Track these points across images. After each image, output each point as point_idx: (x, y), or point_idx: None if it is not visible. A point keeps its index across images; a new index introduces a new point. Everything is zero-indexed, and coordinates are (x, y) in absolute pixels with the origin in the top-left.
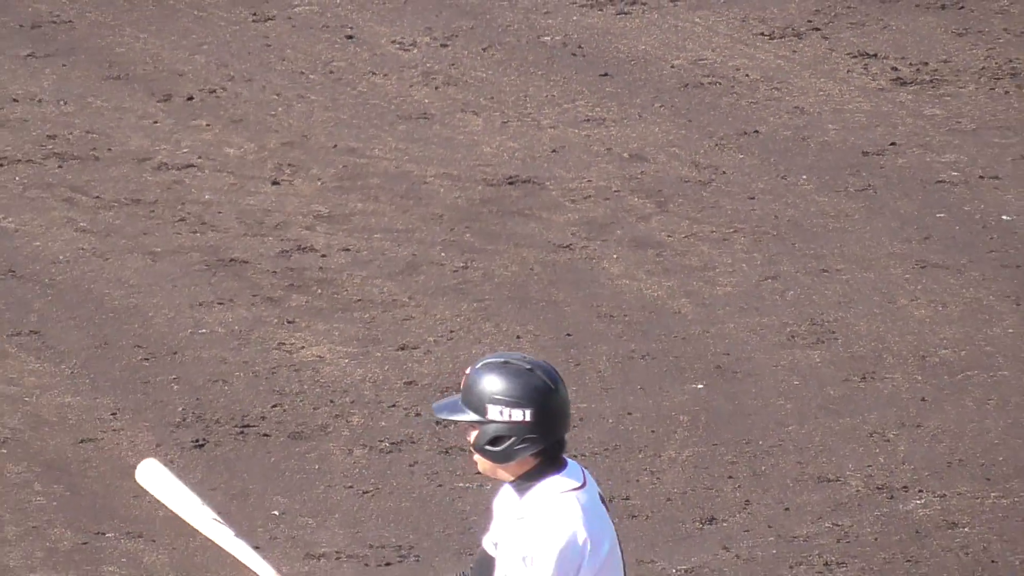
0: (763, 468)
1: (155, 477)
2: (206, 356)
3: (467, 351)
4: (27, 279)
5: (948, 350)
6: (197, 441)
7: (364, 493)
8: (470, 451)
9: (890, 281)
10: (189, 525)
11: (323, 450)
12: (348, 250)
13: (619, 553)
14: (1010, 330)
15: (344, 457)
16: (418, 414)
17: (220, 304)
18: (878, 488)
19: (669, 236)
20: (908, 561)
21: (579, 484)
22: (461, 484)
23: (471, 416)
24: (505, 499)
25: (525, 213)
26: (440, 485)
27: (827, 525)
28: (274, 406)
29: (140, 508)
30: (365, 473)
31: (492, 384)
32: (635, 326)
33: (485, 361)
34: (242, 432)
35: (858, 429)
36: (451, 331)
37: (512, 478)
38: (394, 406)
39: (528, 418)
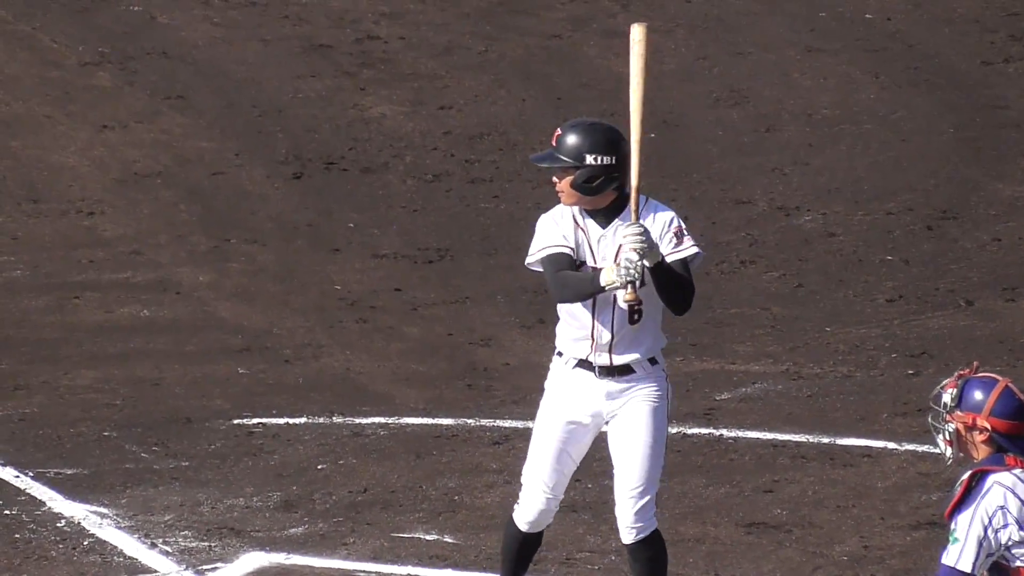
0: (696, 194)
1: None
2: (302, 113)
3: (487, 111)
4: (175, 58)
5: (828, 110)
6: (296, 174)
7: (414, 211)
8: (557, 188)
9: (786, 60)
10: (294, 230)
11: (384, 180)
12: (403, 38)
13: None
14: (872, 96)
15: (400, 185)
16: (452, 155)
17: (312, 76)
18: (778, 208)
19: (628, 28)
20: (800, 260)
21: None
22: (483, 205)
23: (571, 163)
24: (586, 220)
25: (528, 11)
26: (468, 205)
27: (742, 234)
28: (350, 148)
29: (256, 221)
30: (414, 196)
31: (585, 138)
32: (606, 93)
33: (574, 123)
34: (328, 167)
35: (763, 165)
36: (475, 96)
37: (603, 206)
38: (435, 149)
39: (613, 162)
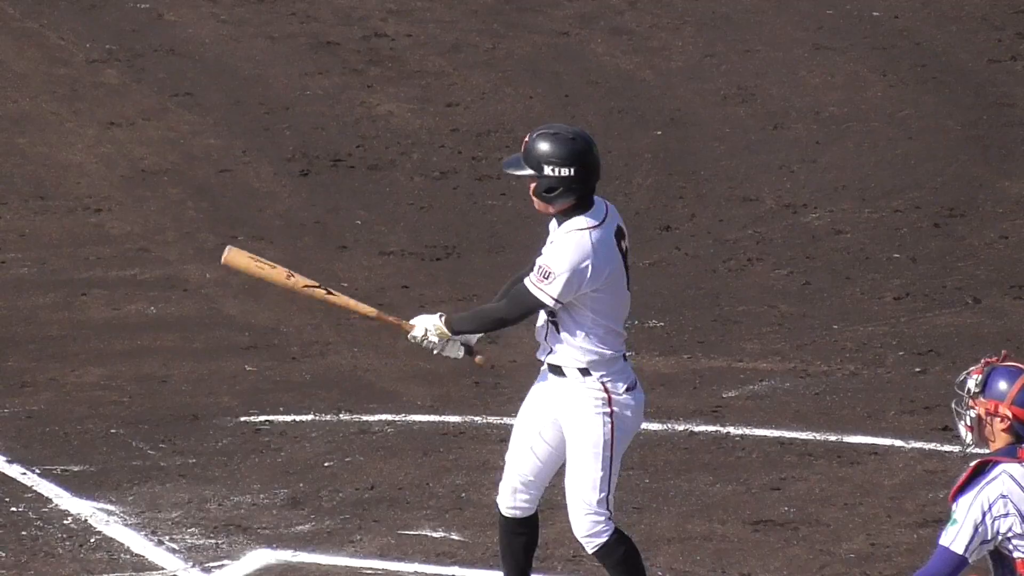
0: (704, 191)
1: (241, 259)
2: (309, 110)
3: (495, 108)
4: (183, 56)
5: (835, 107)
6: (303, 171)
7: (421, 208)
8: (531, 194)
9: (793, 58)
10: (302, 227)
11: (392, 178)
12: (410, 36)
13: (622, 278)
14: (879, 93)
15: (407, 182)
16: (459, 152)
17: (320, 74)
18: (785, 206)
19: (637, 26)
20: (807, 258)
21: (597, 223)
22: (490, 202)
23: (530, 172)
24: (551, 227)
25: (535, 9)
26: (475, 203)
27: (749, 232)
28: (358, 146)
29: (264, 218)
30: (421, 194)
31: (545, 148)
32: (613, 91)
33: (540, 131)
34: (335, 164)
35: (771, 163)
36: (483, 93)
37: (557, 212)
38: (443, 146)
39: (572, 174)
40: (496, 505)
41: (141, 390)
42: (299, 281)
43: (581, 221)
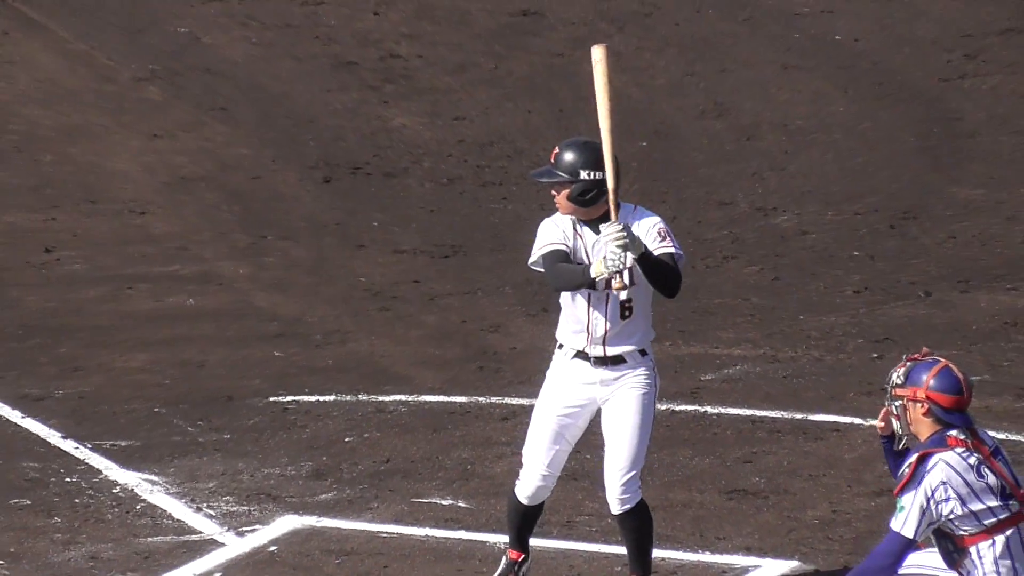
0: (684, 196)
1: (603, 68)
2: (331, 123)
3: (497, 121)
4: (217, 74)
5: (801, 121)
6: (325, 178)
7: (430, 211)
8: (556, 201)
9: (764, 77)
10: (324, 228)
11: (404, 184)
12: (421, 56)
13: None
14: (841, 109)
15: (418, 188)
16: (465, 161)
17: (340, 90)
18: (757, 209)
19: (625, 48)
20: (776, 256)
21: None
22: (492, 206)
23: (566, 178)
24: (582, 228)
25: (533, 33)
26: (479, 206)
27: (725, 232)
28: (374, 155)
29: (290, 220)
30: (431, 198)
31: (580, 156)
32: None
33: (569, 142)
34: (354, 172)
35: (744, 171)
36: (486, 108)
37: (596, 216)
38: (450, 156)
39: (604, 177)
40: (513, 491)
41: (181, 374)
42: (607, 113)
43: (616, 216)
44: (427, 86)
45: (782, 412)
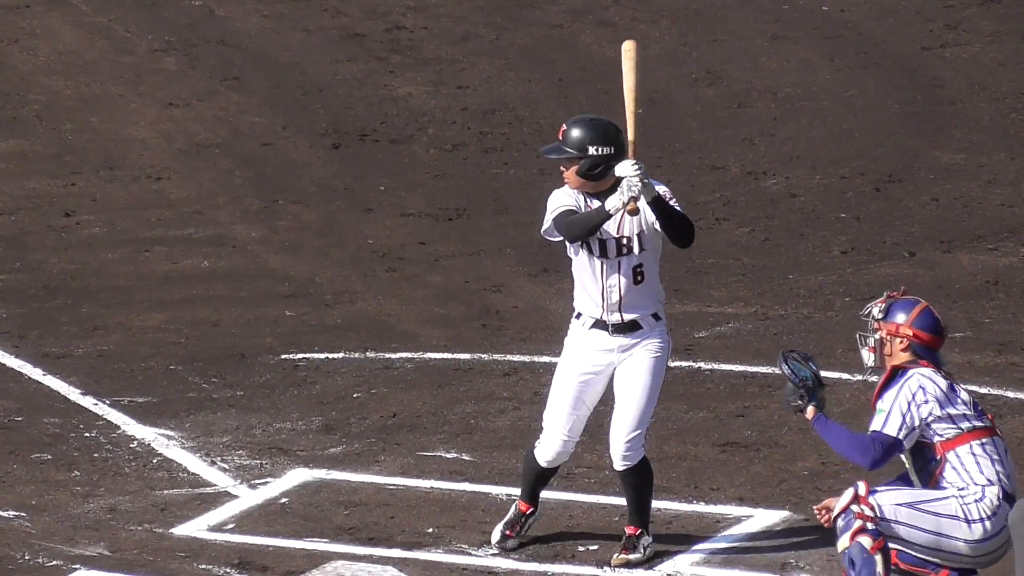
0: (678, 161)
1: (631, 63)
2: (340, 92)
3: (498, 90)
4: (231, 45)
5: (790, 89)
6: (335, 144)
7: (435, 176)
8: (564, 176)
9: (754, 46)
10: (333, 192)
11: (411, 150)
12: (426, 28)
13: None
14: (828, 77)
15: (423, 154)
16: (468, 128)
17: (348, 61)
18: (748, 173)
19: (621, 19)
20: (766, 218)
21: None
22: (495, 171)
23: (575, 154)
24: (591, 201)
25: (533, 5)
26: (482, 172)
27: (717, 195)
28: (381, 122)
29: (301, 185)
30: (436, 164)
31: (588, 133)
32: (600, 75)
33: (577, 119)
34: (362, 139)
35: (736, 136)
36: (488, 78)
37: (604, 189)
38: (454, 123)
39: (612, 152)
40: (532, 452)
41: (196, 332)
42: (632, 105)
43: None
44: (432, 56)
45: (772, 368)
